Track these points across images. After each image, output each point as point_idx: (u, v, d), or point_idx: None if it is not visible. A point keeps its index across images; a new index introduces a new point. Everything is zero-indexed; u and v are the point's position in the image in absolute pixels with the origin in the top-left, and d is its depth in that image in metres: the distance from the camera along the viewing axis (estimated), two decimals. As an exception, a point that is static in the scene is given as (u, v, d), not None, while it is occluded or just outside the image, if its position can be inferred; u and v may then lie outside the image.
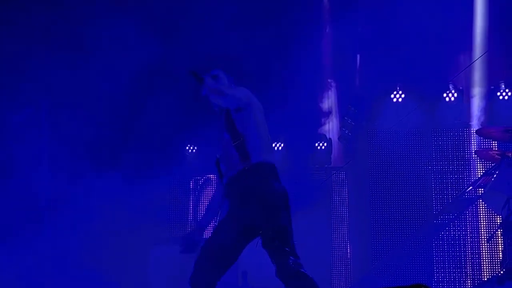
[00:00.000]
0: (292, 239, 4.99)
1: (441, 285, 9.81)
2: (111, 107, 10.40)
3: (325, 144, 12.20)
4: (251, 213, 4.95)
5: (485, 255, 9.79)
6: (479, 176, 9.92)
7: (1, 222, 9.83)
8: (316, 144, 12.26)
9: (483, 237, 9.77)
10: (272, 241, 4.93)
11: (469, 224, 9.92)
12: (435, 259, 9.88)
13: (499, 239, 9.07)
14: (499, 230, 8.31)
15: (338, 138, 11.73)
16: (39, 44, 10.12)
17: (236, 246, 5.00)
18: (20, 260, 9.58)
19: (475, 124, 10.28)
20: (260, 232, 4.96)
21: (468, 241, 9.88)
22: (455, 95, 10.26)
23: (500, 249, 9.03)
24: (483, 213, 9.88)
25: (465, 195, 9.99)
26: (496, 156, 8.61)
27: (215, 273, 4.96)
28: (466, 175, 10.04)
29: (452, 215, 9.96)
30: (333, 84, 11.77)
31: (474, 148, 10.01)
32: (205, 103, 5.35)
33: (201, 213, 11.85)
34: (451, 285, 9.81)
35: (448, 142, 10.15)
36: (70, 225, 10.15)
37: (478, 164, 10.03)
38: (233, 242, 4.97)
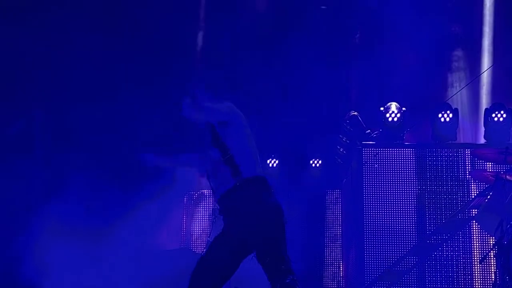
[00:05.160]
0: (287, 255, 4.97)
1: (433, 306, 9.79)
2: (106, 120, 10.41)
3: (319, 162, 12.22)
4: (245, 229, 4.93)
5: (478, 276, 9.77)
6: (473, 197, 9.93)
7: None
8: (311, 162, 12.28)
9: (476, 259, 9.75)
10: (266, 257, 4.92)
11: (462, 245, 9.90)
12: (428, 279, 9.86)
13: (492, 261, 9.06)
14: (492, 252, 8.30)
15: (333, 157, 11.74)
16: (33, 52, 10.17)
17: (232, 263, 4.98)
18: None
19: (469, 145, 10.29)
20: (255, 247, 4.95)
21: (460, 262, 9.86)
22: (450, 115, 10.27)
23: (493, 270, 9.01)
24: (476, 234, 9.87)
25: (459, 216, 9.98)
26: (490, 177, 8.61)
27: None
28: (460, 195, 10.04)
29: (445, 236, 9.95)
30: (328, 102, 11.81)
31: (469, 169, 10.02)
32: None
33: (195, 227, 11.85)
34: (443, 306, 9.80)
35: (443, 162, 10.15)
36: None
37: (473, 185, 10.04)
38: (228, 258, 4.95)
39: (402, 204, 10.09)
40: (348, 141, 10.94)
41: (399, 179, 10.14)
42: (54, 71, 10.52)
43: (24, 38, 10.08)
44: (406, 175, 10.15)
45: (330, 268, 12.08)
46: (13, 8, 10.24)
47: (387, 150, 10.22)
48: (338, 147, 11.28)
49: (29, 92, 10.28)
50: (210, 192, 11.97)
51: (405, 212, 10.07)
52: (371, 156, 10.22)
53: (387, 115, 10.41)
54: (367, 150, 10.28)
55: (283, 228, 5.02)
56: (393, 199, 10.10)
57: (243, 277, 6.81)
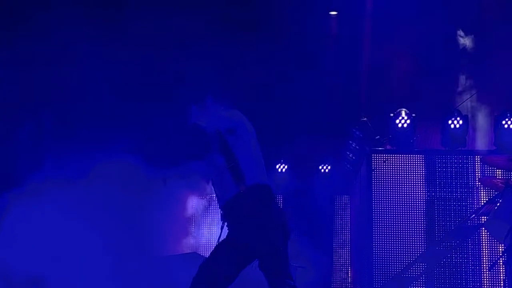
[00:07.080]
0: (288, 262, 5.01)
1: (442, 312, 9.78)
2: (114, 125, 10.42)
3: (328, 167, 12.21)
4: (248, 237, 4.95)
5: (487, 283, 9.75)
6: (483, 203, 9.91)
7: None
8: (320, 167, 12.27)
9: (485, 265, 9.73)
10: (268, 263, 4.97)
11: (471, 252, 9.89)
12: (436, 286, 9.85)
13: (501, 268, 9.04)
14: (501, 259, 8.28)
15: (342, 162, 11.74)
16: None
17: (233, 270, 5.01)
18: None
19: (479, 152, 10.27)
20: (257, 255, 4.98)
21: (470, 269, 9.84)
22: (460, 122, 10.25)
23: (502, 278, 8.98)
24: (485, 241, 9.85)
25: (468, 223, 9.96)
26: (500, 184, 8.61)
27: None
28: (470, 202, 10.02)
29: (454, 242, 9.93)
30: (338, 108, 11.80)
31: (478, 175, 10.00)
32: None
33: (204, 232, 11.84)
34: (452, 313, 9.79)
35: (452, 169, 10.14)
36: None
37: (482, 192, 10.02)
38: (229, 265, 4.98)
39: (411, 210, 10.07)
40: (357, 147, 10.94)
41: (408, 185, 10.13)
42: (61, 73, 10.56)
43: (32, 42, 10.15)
44: (416, 181, 10.14)
45: (339, 273, 12.07)
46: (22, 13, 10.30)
47: (397, 156, 10.22)
48: (348, 152, 11.28)
49: (38, 95, 10.31)
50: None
51: (414, 219, 10.05)
52: (380, 162, 10.21)
53: (397, 121, 10.40)
54: (376, 156, 10.27)
55: (285, 237, 5.06)
56: (402, 205, 10.09)
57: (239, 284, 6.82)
